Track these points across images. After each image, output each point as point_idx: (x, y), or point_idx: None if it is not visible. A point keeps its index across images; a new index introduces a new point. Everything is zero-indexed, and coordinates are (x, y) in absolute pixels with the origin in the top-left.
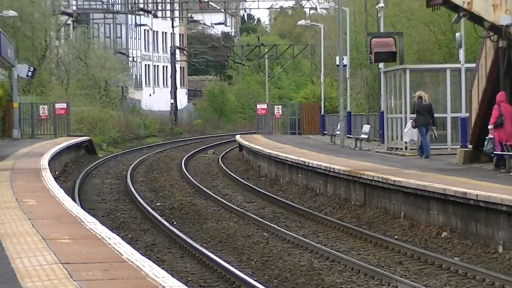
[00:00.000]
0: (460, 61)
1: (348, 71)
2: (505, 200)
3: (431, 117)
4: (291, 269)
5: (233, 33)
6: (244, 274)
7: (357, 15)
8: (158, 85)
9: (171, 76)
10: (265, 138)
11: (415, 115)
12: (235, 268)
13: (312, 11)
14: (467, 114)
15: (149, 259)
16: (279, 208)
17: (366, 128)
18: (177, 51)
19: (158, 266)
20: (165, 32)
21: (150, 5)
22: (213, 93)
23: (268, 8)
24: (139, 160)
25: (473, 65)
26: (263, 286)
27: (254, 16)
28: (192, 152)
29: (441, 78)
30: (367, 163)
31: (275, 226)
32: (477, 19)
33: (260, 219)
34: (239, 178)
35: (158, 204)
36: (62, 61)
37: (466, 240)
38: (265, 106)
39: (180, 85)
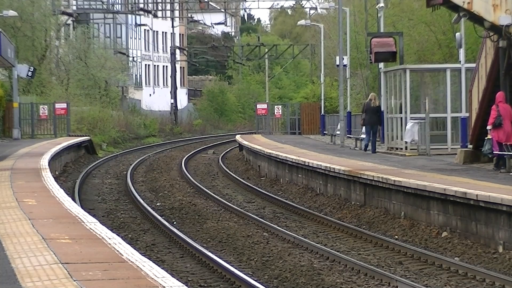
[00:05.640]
0: (460, 61)
1: (348, 71)
2: (505, 200)
3: (378, 117)
4: (291, 269)
5: (233, 33)
6: (244, 274)
7: (357, 15)
8: (158, 85)
9: (171, 76)
10: (265, 138)
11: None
12: (235, 268)
13: (312, 11)
14: (467, 114)
15: (149, 259)
16: (279, 208)
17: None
18: (177, 51)
19: (158, 266)
20: (165, 32)
21: (150, 5)
22: (213, 93)
23: (268, 8)
24: (139, 160)
25: (473, 65)
26: (263, 286)
27: (254, 16)
28: (192, 152)
29: (441, 78)
30: (367, 163)
31: (275, 226)
32: (477, 19)
33: (260, 219)
34: (239, 178)
35: (158, 204)
36: (62, 61)
37: (466, 240)
38: (265, 106)
39: (180, 85)
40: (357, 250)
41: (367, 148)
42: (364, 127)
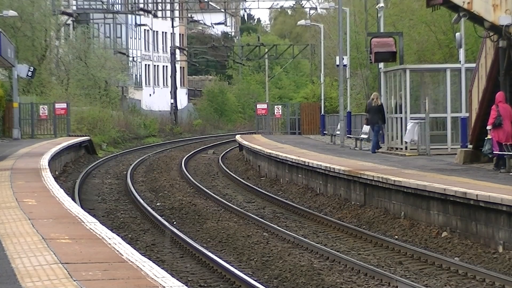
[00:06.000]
0: (460, 61)
1: (348, 71)
2: (505, 200)
3: (379, 116)
4: (291, 269)
5: (233, 33)
6: (244, 274)
7: (357, 15)
8: (158, 85)
9: (171, 76)
10: (265, 138)
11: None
12: (235, 268)
13: (312, 11)
14: (467, 114)
15: (149, 259)
16: (279, 208)
17: (366, 128)
18: (177, 51)
19: (158, 266)
20: (165, 32)
21: (150, 5)
22: (213, 93)
23: (268, 8)
24: (139, 160)
25: (473, 65)
26: (263, 286)
27: (254, 16)
28: (192, 152)
29: (441, 78)
30: (367, 163)
31: (275, 226)
32: (477, 19)
33: (260, 219)
34: (239, 178)
35: (158, 204)
36: (62, 61)
37: (466, 240)
38: (265, 106)
39: (180, 85)
40: (357, 250)
41: (379, 146)
42: (364, 127)
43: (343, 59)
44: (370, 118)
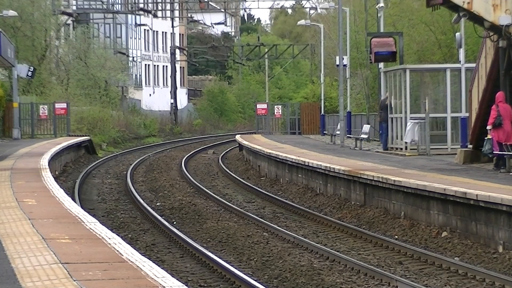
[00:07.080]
0: (460, 61)
1: (348, 71)
2: (505, 200)
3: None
4: (291, 269)
5: (233, 33)
6: (244, 274)
7: (357, 15)
8: (158, 85)
9: (171, 76)
10: (265, 138)
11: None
12: (235, 268)
13: (312, 11)
14: (467, 114)
15: (149, 259)
16: (279, 208)
17: (366, 128)
18: (177, 51)
19: (158, 266)
20: (165, 32)
21: (150, 5)
22: (213, 93)
23: (268, 8)
24: (139, 160)
25: (473, 65)
26: (263, 286)
27: (254, 16)
28: (192, 152)
29: (441, 78)
30: (367, 163)
31: (275, 226)
32: (477, 19)
33: (260, 219)
34: (239, 178)
35: (158, 204)
36: (62, 61)
37: (466, 240)
38: (265, 106)
39: (180, 85)
40: (357, 250)
41: (385, 145)
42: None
43: (343, 59)
44: (382, 115)
